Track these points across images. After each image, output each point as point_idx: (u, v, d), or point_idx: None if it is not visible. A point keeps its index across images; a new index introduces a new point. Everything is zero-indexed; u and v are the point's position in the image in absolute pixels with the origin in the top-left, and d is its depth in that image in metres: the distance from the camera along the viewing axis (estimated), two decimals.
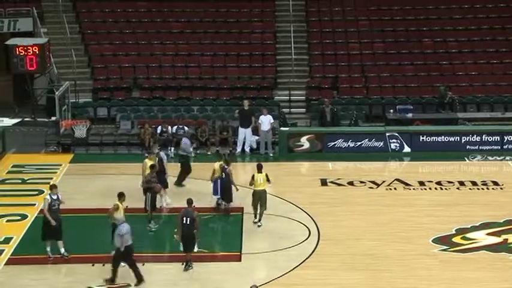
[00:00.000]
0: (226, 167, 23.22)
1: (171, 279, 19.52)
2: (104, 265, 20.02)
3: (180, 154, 26.02)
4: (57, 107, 30.69)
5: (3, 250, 20.97)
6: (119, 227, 18.94)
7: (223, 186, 23.16)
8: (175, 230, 20.80)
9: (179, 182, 25.26)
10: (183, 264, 19.77)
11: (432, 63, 34.55)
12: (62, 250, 20.30)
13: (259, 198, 22.38)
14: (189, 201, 20.16)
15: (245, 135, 29.58)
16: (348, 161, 27.92)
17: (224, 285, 19.12)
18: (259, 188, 22.44)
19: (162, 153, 24.08)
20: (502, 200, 24.49)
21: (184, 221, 19.67)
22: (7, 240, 21.52)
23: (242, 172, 28.50)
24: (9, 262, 20.39)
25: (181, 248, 19.82)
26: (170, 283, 19.39)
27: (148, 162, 23.15)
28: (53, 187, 20.66)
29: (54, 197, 20.33)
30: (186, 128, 29.85)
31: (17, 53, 31.31)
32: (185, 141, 25.86)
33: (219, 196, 23.30)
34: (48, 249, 20.30)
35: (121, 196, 20.17)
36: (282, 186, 25.87)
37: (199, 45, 35.32)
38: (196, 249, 19.81)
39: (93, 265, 20.07)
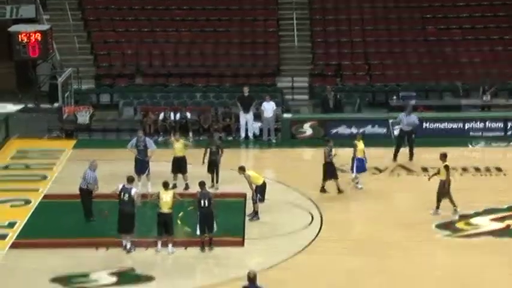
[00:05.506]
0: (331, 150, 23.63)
1: (174, 264, 19.55)
2: (107, 249, 20.07)
3: (404, 130, 26.68)
4: (59, 93, 30.70)
5: (7, 234, 21.01)
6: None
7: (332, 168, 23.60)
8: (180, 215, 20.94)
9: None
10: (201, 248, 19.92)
11: (436, 50, 34.47)
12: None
13: None
14: (202, 183, 20.21)
15: (246, 120, 29.56)
16: (351, 147, 27.87)
17: (227, 270, 19.08)
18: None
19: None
20: (505, 186, 24.47)
21: (203, 204, 19.72)
22: (11, 225, 21.55)
23: (245, 158, 28.60)
24: (13, 246, 20.42)
25: (198, 232, 19.85)
26: (173, 268, 19.42)
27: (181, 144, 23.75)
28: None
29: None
30: (188, 114, 29.84)
31: (20, 39, 31.25)
32: (414, 117, 26.67)
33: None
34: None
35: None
36: (285, 172, 25.89)
37: (202, 32, 35.24)
38: (215, 228, 19.86)
39: (96, 249, 20.10)
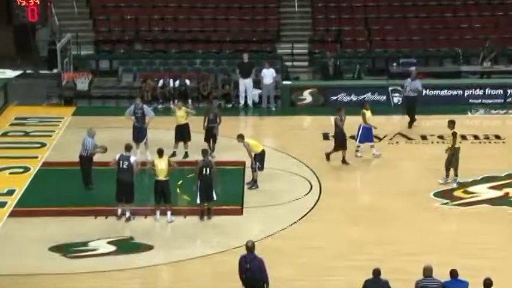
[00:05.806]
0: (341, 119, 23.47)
1: (173, 233, 19.63)
2: (106, 217, 20.14)
3: (409, 96, 26.80)
4: (58, 59, 30.59)
5: (6, 202, 21.07)
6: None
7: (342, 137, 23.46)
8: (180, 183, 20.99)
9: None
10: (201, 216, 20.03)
11: (436, 15, 34.26)
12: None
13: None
14: (205, 151, 20.29)
15: (246, 87, 29.44)
16: (351, 115, 27.78)
17: (226, 239, 19.10)
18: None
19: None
20: (503, 154, 24.50)
21: (204, 172, 19.75)
22: (10, 193, 21.61)
23: (244, 126, 28.58)
24: (12, 214, 20.48)
25: (198, 200, 19.91)
26: (172, 236, 19.50)
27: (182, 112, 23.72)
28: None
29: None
30: (187, 81, 29.77)
31: (19, 2, 31.10)
32: (418, 83, 26.90)
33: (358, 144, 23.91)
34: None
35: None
36: (284, 140, 25.89)
37: None
38: (215, 197, 19.92)
39: (95, 217, 20.17)
